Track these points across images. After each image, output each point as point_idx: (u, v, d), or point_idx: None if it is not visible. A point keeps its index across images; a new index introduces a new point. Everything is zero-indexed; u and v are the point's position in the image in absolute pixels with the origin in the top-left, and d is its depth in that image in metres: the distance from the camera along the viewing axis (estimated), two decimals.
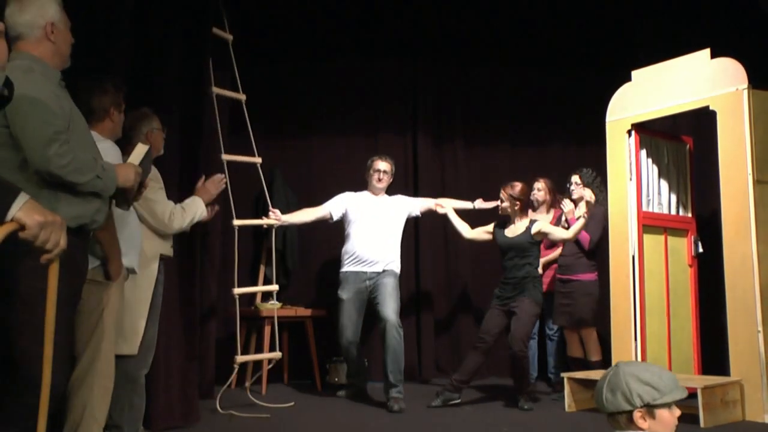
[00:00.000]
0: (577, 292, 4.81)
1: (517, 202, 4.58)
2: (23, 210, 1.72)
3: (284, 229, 5.36)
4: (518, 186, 4.62)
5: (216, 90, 4.59)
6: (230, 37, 4.80)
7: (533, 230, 4.54)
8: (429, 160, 6.26)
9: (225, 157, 4.56)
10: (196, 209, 3.37)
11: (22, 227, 1.71)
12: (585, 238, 4.82)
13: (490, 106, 6.39)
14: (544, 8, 5.95)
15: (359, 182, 5.12)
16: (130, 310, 2.98)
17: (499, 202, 4.67)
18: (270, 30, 5.10)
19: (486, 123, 6.34)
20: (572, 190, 5.07)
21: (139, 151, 2.63)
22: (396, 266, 4.88)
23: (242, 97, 4.82)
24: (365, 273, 4.78)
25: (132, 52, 3.77)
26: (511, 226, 4.65)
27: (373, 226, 4.83)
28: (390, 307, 4.62)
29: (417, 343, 6.07)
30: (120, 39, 3.69)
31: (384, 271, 4.78)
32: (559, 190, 5.36)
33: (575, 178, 5.06)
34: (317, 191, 5.04)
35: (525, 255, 4.56)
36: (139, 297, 2.98)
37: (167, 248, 3.26)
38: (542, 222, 4.65)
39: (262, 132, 4.77)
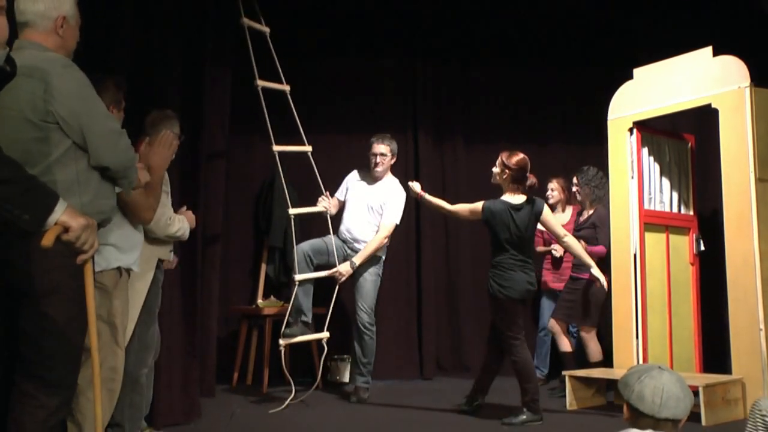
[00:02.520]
0: (581, 291, 4.85)
1: (507, 172, 4.16)
2: (67, 213, 1.84)
3: (284, 227, 5.36)
4: (516, 156, 4.17)
5: (261, 83, 4.65)
6: (267, 30, 4.80)
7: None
8: (429, 159, 6.26)
9: (276, 148, 4.67)
10: (183, 224, 3.34)
11: (66, 229, 1.84)
12: (601, 251, 4.80)
13: (490, 104, 6.38)
14: (545, 6, 5.93)
15: None
16: None
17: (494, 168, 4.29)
18: (269, 29, 5.09)
19: (486, 122, 6.33)
20: (576, 191, 5.10)
21: None
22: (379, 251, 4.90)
23: (286, 88, 4.85)
24: (348, 252, 4.88)
25: (132, 50, 3.77)
26: None
27: (357, 209, 4.93)
28: (364, 304, 4.79)
29: (418, 342, 6.07)
30: (121, 37, 3.68)
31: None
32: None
33: (574, 179, 5.10)
34: (316, 190, 5.04)
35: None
36: (132, 298, 2.97)
37: (166, 253, 3.25)
38: (480, 204, 4.20)
39: (262, 131, 4.76)
